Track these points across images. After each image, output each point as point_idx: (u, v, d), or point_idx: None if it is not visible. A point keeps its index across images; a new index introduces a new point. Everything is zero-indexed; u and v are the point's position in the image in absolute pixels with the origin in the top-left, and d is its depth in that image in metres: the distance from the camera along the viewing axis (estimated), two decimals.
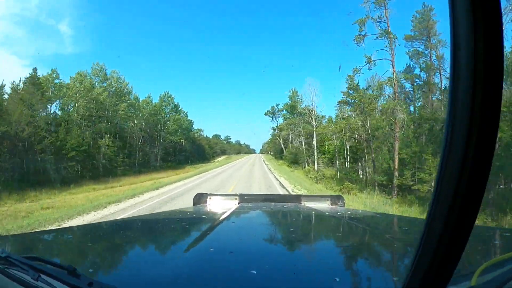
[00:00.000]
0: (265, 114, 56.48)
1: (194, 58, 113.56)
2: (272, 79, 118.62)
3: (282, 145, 51.79)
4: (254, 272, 0.72)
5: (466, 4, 0.30)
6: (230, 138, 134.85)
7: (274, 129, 56.38)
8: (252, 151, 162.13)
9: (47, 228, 5.73)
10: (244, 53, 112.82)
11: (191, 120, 52.29)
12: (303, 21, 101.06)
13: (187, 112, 49.46)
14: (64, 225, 6.25)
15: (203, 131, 77.05)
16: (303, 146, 34.43)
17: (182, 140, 48.34)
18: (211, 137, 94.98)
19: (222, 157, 75.47)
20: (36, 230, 5.20)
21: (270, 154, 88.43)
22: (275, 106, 55.02)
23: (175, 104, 44.93)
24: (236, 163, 43.43)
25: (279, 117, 55.90)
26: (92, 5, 67.62)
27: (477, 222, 0.35)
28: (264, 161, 51.59)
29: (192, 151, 54.84)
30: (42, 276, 0.63)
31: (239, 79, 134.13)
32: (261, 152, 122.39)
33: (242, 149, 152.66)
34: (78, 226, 2.14)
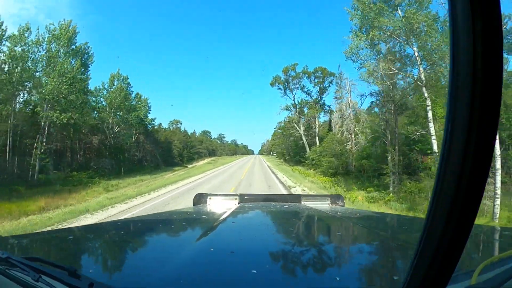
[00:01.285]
0: (271, 84, 33.45)
1: (194, 58, 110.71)
2: (271, 79, 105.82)
3: (303, 138, 28.78)
4: (255, 271, 0.73)
5: (465, 1, 0.30)
6: (224, 137, 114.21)
7: (288, 109, 33.23)
8: (251, 152, 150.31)
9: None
10: (244, 53, 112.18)
11: (141, 96, 29.23)
12: (302, 20, 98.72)
13: (128, 78, 26.46)
14: None
15: (181, 123, 53.99)
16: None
17: (116, 128, 25.52)
18: (198, 133, 72.24)
19: (205, 161, 52.08)
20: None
21: (273, 155, 63.91)
22: (289, 67, 32.07)
23: (89, 54, 20.96)
24: (209, 178, 19.88)
25: (297, 88, 32.83)
26: (90, 5, 64.48)
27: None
28: (269, 167, 28.39)
29: (145, 151, 31.34)
30: (43, 277, 0.63)
31: (239, 79, 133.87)
32: (260, 153, 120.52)
33: (239, 150, 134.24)
34: (78, 227, 2.27)
